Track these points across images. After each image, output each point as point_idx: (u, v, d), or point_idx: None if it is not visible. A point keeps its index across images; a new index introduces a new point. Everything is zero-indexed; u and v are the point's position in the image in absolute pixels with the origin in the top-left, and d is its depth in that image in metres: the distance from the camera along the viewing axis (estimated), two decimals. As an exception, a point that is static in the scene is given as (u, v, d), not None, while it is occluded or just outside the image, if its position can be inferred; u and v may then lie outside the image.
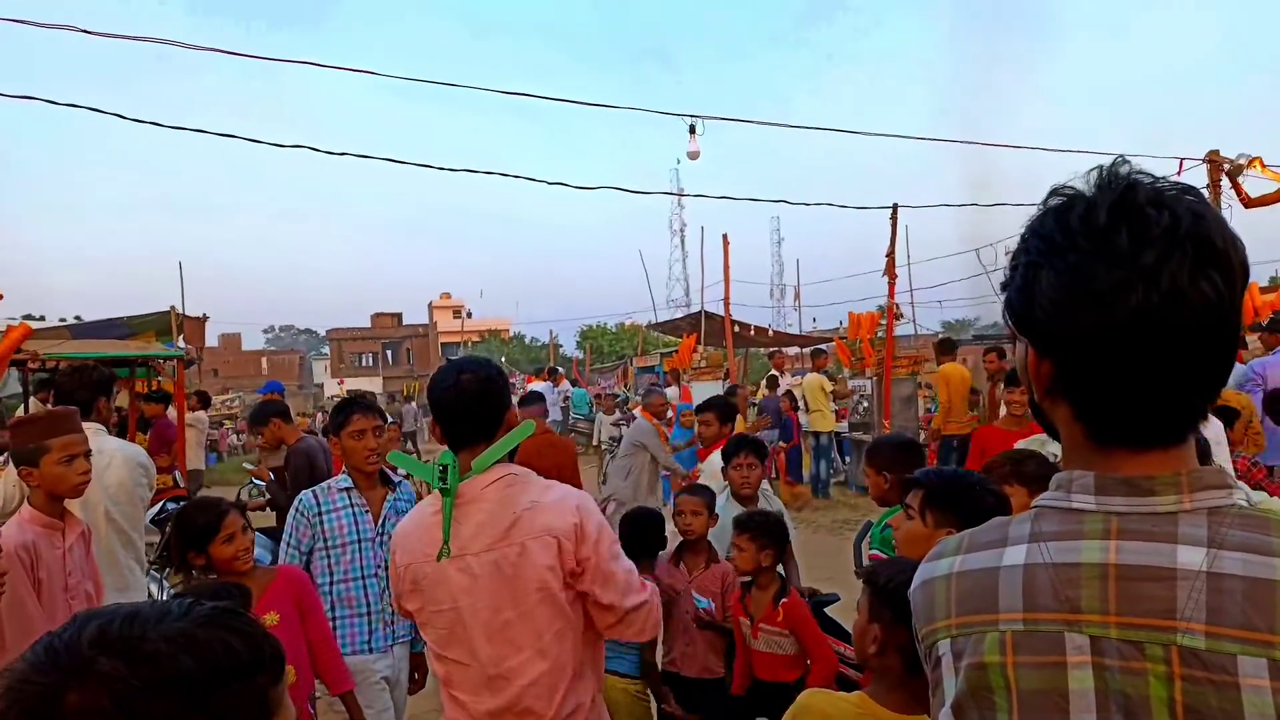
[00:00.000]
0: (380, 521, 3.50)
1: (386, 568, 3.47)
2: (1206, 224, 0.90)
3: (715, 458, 5.07)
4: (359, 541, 3.44)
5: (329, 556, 3.42)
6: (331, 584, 3.39)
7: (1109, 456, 0.95)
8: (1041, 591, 0.93)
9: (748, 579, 3.45)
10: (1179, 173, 10.05)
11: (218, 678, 0.79)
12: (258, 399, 11.87)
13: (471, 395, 2.13)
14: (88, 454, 2.96)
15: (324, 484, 3.58)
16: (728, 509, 4.12)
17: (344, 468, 3.60)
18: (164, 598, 5.48)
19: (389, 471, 3.66)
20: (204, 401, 11.65)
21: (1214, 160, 10.20)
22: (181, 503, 6.54)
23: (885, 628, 1.91)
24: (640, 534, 3.70)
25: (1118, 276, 0.89)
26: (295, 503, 3.49)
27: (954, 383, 9.82)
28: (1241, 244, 0.92)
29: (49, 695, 0.74)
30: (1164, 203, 0.90)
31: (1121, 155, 0.96)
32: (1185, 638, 0.86)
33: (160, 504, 6.45)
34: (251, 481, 6.74)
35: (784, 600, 3.31)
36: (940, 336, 11.04)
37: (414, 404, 25.41)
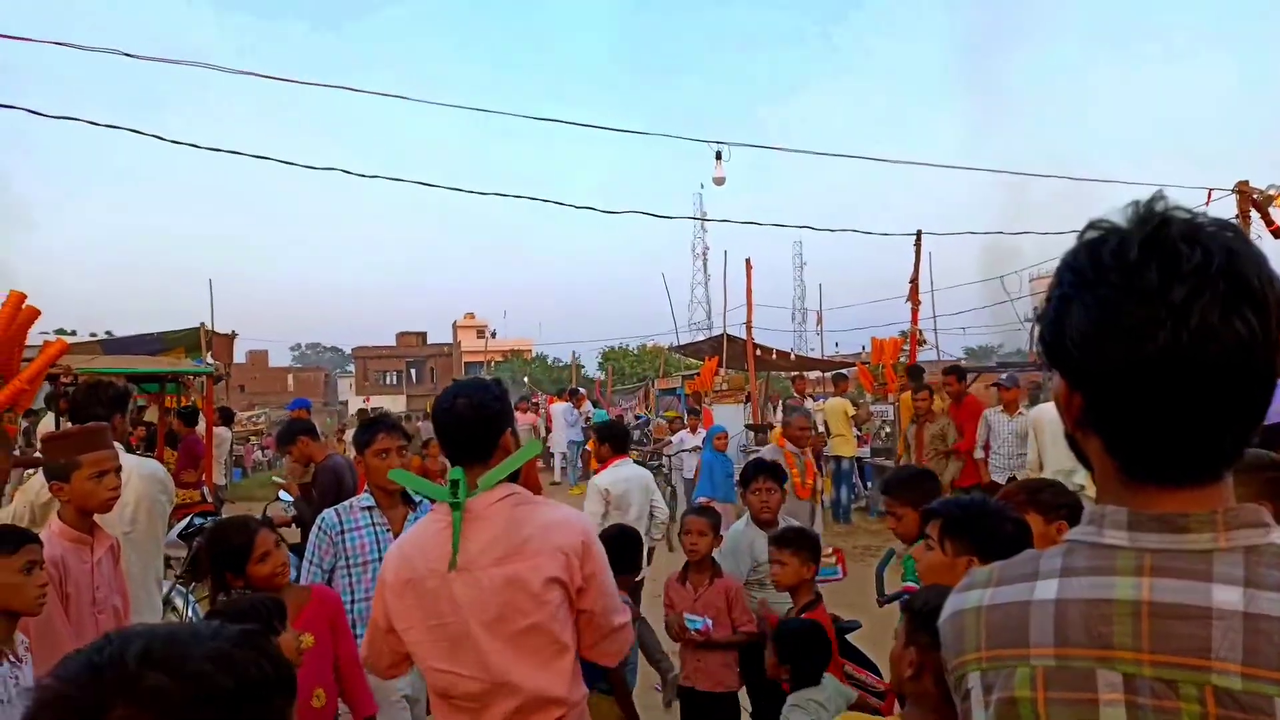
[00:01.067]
0: None
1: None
2: (1241, 260, 0.88)
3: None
4: (379, 560, 3.44)
5: (350, 575, 3.44)
6: (353, 602, 3.41)
7: (1142, 492, 0.94)
8: (1074, 627, 0.92)
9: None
10: (1207, 203, 9.97)
11: (250, 696, 0.83)
12: (284, 415, 11.98)
13: (464, 419, 2.21)
14: (118, 470, 3.01)
15: (346, 502, 3.62)
16: (747, 533, 4.15)
17: (366, 486, 3.64)
18: (189, 611, 5.54)
19: (409, 491, 3.69)
20: (226, 419, 11.73)
21: (1243, 191, 10.11)
22: (209, 518, 6.62)
23: (921, 651, 1.91)
24: (619, 551, 3.74)
25: (1147, 313, 0.88)
26: (318, 521, 3.52)
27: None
28: (1276, 278, 0.89)
29: (92, 711, 0.77)
30: (1198, 239, 0.89)
31: (1159, 189, 0.95)
32: (1220, 678, 0.85)
33: (187, 519, 6.52)
34: (278, 496, 6.79)
35: (808, 613, 3.37)
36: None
37: (429, 421, 25.67)
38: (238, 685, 0.81)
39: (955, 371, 9.32)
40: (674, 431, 13.74)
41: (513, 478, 2.26)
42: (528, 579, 2.08)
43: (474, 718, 2.15)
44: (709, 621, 3.62)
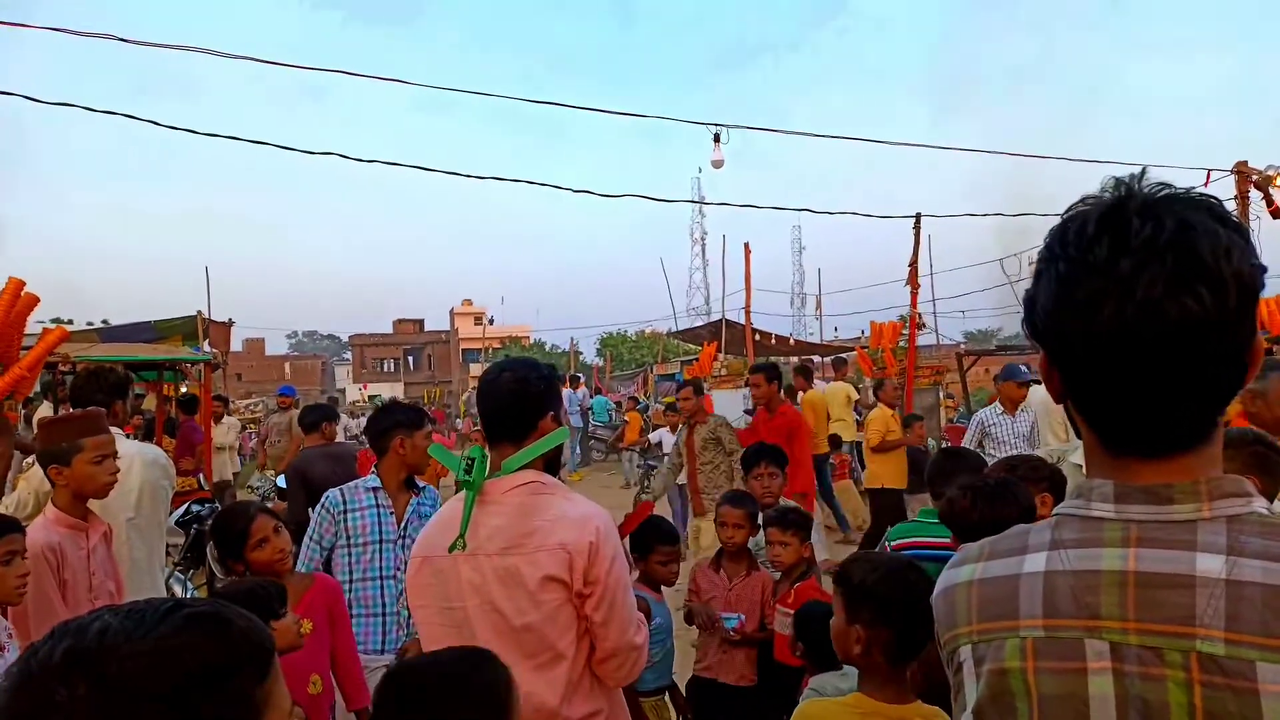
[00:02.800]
0: (403, 524, 3.52)
1: (406, 569, 3.52)
2: (1195, 234, 0.87)
3: None
4: (380, 542, 3.47)
5: (350, 555, 3.45)
6: (351, 582, 3.42)
7: (1126, 464, 0.95)
8: (1062, 598, 0.94)
9: (779, 575, 3.52)
10: (1206, 184, 9.94)
11: (194, 690, 0.77)
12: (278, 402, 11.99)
13: (505, 394, 2.12)
14: (116, 455, 3.02)
15: (352, 482, 3.61)
16: None
17: (373, 468, 3.62)
18: (187, 597, 5.56)
19: (414, 478, 3.69)
20: (224, 402, 11.62)
21: (1242, 171, 10.09)
22: (206, 505, 6.63)
23: (866, 627, 1.95)
24: (640, 531, 3.73)
25: (1096, 285, 0.89)
26: (323, 499, 3.54)
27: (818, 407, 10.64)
28: (1241, 254, 0.87)
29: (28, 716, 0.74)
30: (1154, 212, 0.89)
31: (1144, 166, 0.95)
32: (1204, 644, 0.86)
33: (185, 505, 6.53)
34: (261, 475, 6.79)
35: (799, 584, 3.37)
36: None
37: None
38: (170, 681, 0.76)
39: (763, 370, 7.13)
40: (656, 427, 13.73)
41: (549, 468, 2.16)
42: (525, 575, 1.96)
43: None
44: (742, 618, 3.52)
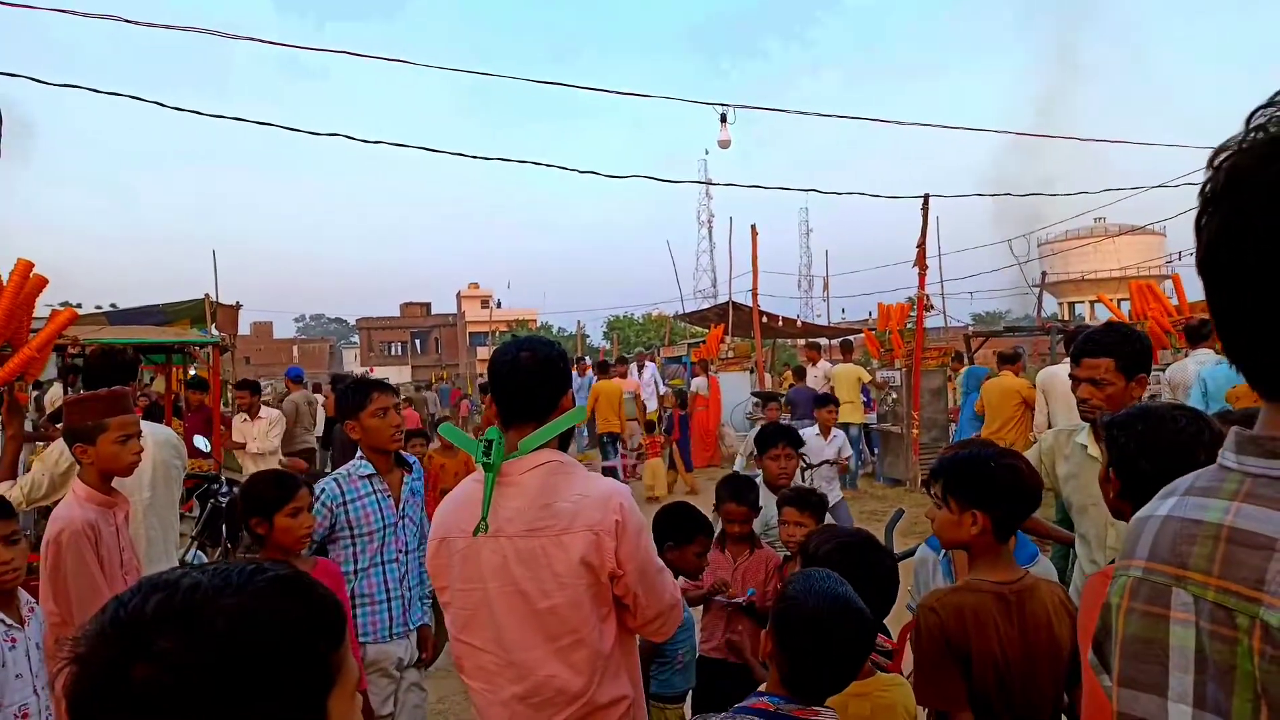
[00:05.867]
0: (401, 505, 3.48)
1: (408, 552, 3.47)
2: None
3: None
4: (384, 528, 3.41)
5: (354, 545, 3.37)
6: (355, 572, 3.35)
7: (1266, 410, 0.90)
8: (1163, 543, 0.92)
9: (789, 555, 3.51)
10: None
11: (278, 650, 0.79)
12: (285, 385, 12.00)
13: (527, 372, 2.08)
14: (139, 434, 3.03)
15: (344, 471, 3.49)
16: (764, 500, 4.14)
17: (359, 453, 3.50)
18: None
19: (402, 453, 3.61)
20: (254, 389, 10.53)
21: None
22: (213, 484, 6.66)
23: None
24: (676, 524, 3.73)
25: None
26: (318, 492, 3.37)
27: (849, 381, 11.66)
28: None
29: (115, 670, 0.75)
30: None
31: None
32: (1267, 612, 0.81)
33: (198, 485, 6.57)
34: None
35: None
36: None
37: (434, 391, 25.97)
38: (259, 640, 0.78)
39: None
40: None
41: (561, 446, 2.14)
42: (552, 556, 1.95)
43: (489, 694, 2.05)
44: (753, 591, 3.55)
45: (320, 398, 12.13)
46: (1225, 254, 0.87)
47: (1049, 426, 7.26)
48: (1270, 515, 0.84)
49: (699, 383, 14.90)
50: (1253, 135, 0.86)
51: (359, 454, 3.52)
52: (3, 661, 2.45)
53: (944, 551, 3.28)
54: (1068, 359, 7.21)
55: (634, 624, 2.09)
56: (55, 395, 7.74)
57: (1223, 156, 0.88)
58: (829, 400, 8.03)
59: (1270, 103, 0.87)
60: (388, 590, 3.40)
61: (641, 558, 2.01)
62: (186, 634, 0.76)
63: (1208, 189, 0.89)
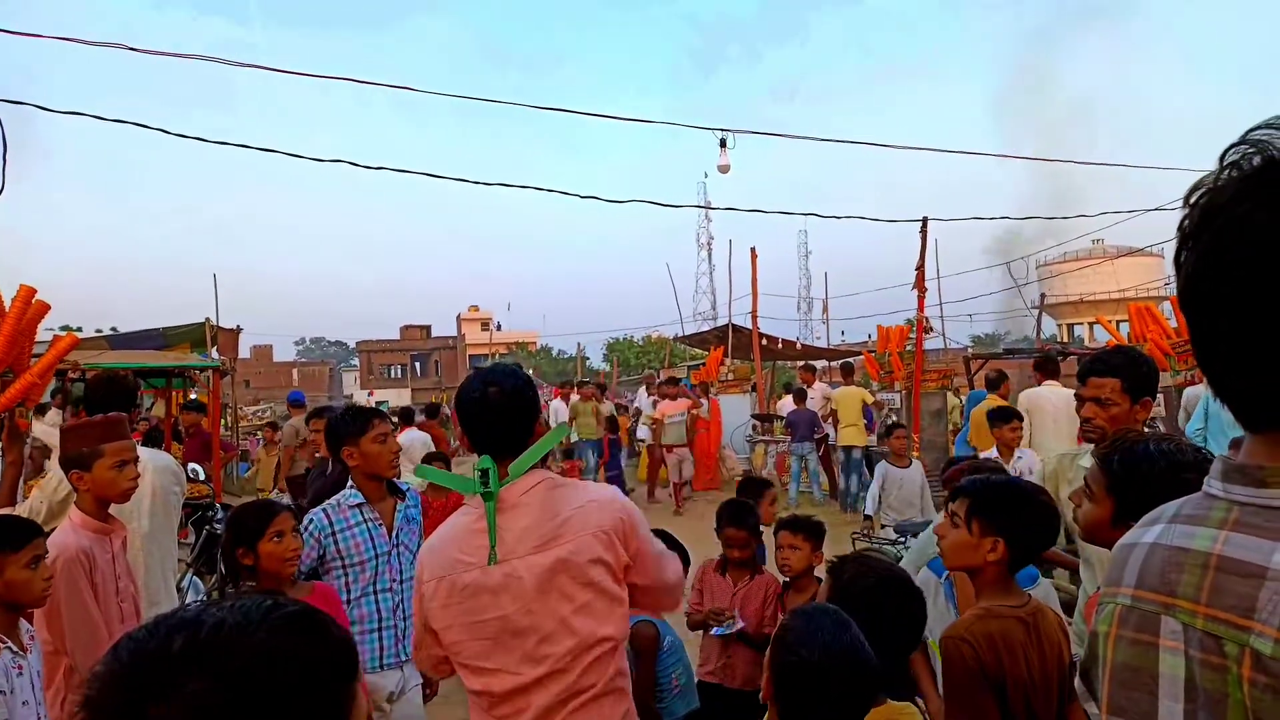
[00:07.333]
0: (394, 533, 3.43)
1: (401, 581, 3.41)
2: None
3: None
4: (375, 557, 3.36)
5: (346, 575, 3.32)
6: (348, 603, 3.31)
7: (1246, 440, 0.92)
8: (1151, 571, 0.92)
9: (787, 581, 3.50)
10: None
11: (300, 688, 0.79)
12: (286, 409, 11.99)
13: (500, 409, 2.11)
14: (136, 460, 3.02)
15: (334, 501, 3.44)
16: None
17: (350, 483, 3.47)
18: (198, 600, 5.58)
19: (395, 480, 3.57)
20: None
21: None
22: (209, 510, 6.66)
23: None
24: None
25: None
26: (305, 523, 3.33)
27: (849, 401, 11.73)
28: None
29: (131, 710, 0.74)
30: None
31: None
32: (1257, 640, 0.81)
33: (193, 511, 6.56)
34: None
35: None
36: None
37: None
38: (284, 680, 0.78)
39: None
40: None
41: (541, 461, 2.20)
42: (573, 561, 2.02)
43: (514, 714, 2.05)
44: (733, 625, 3.51)
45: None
46: (1203, 287, 0.89)
47: (1029, 447, 7.25)
48: (1259, 544, 0.85)
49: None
50: (1226, 172, 0.89)
51: (349, 483, 3.48)
52: (11, 688, 2.44)
53: (946, 574, 3.26)
54: (1049, 382, 7.25)
55: (646, 601, 2.23)
56: (55, 419, 7.72)
57: (1198, 194, 0.90)
58: (898, 426, 8.06)
59: (1243, 140, 0.89)
60: (379, 619, 3.35)
61: (645, 548, 2.16)
62: (216, 674, 0.75)
63: (1185, 225, 0.91)
